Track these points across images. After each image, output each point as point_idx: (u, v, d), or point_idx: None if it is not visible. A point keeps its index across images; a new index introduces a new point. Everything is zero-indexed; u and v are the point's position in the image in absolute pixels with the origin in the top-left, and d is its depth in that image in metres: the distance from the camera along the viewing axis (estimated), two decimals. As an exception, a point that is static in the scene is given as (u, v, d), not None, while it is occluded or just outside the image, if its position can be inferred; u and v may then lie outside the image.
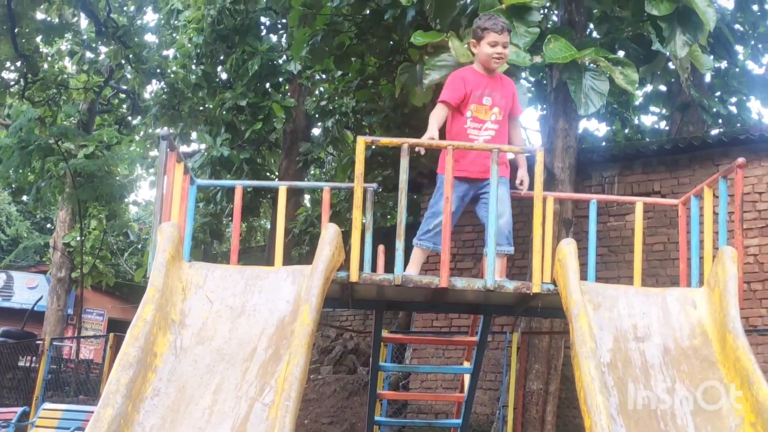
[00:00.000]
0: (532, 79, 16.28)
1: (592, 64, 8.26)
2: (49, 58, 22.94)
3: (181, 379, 4.28)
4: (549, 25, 12.40)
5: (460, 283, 5.18)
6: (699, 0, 7.97)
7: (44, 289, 27.30)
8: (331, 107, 17.32)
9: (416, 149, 5.38)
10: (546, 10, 12.74)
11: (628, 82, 8.17)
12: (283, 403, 3.94)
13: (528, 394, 10.88)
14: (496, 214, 5.26)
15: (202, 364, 4.37)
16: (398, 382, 14.15)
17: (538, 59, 8.95)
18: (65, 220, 23.40)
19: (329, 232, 4.87)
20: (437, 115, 5.71)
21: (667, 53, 8.75)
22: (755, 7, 16.30)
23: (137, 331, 4.23)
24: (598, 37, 11.07)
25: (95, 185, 19.86)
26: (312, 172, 21.95)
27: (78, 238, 21.64)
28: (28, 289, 31.08)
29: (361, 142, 5.13)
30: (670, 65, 10.90)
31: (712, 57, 15.83)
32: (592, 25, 12.45)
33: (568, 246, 4.93)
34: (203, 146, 17.76)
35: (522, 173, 5.85)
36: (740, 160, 5.14)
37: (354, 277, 5.01)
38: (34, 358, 17.74)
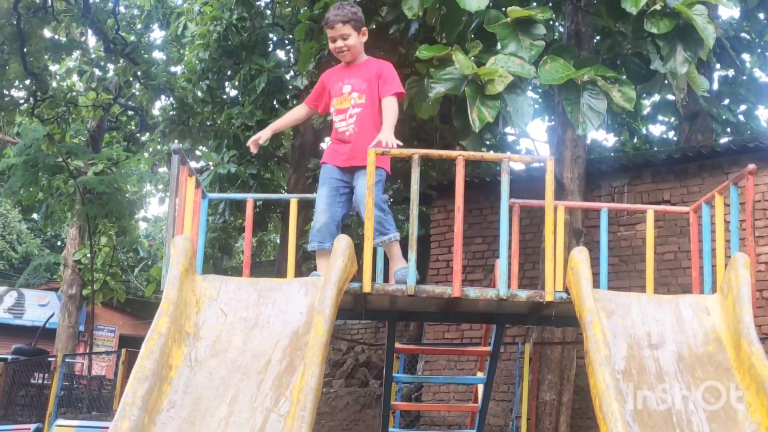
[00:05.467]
0: (540, 90, 16.30)
1: (589, 84, 8.21)
2: (58, 76, 23.05)
3: (197, 391, 4.28)
4: (556, 36, 12.44)
5: (473, 292, 5.18)
6: (698, 17, 7.95)
7: (55, 306, 27.38)
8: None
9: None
10: (552, 22, 12.75)
11: (625, 100, 8.13)
12: (298, 414, 3.95)
13: (541, 404, 10.86)
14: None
15: (217, 376, 4.38)
16: (410, 394, 14.14)
17: (536, 82, 8.96)
18: (75, 237, 23.49)
19: (341, 243, 4.87)
20: (289, 113, 6.22)
21: (665, 71, 8.68)
22: (761, 16, 16.31)
23: (152, 344, 4.25)
24: (601, 51, 11.04)
25: (104, 202, 19.95)
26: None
27: (88, 255, 21.71)
28: (39, 307, 31.19)
29: (372, 153, 5.13)
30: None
31: (718, 65, 15.89)
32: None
33: (581, 254, 4.93)
34: (212, 163, 17.78)
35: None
36: (751, 166, 5.15)
37: (367, 287, 5.02)
38: (46, 375, 17.78)
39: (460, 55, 7.85)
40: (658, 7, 8.02)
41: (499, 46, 8.39)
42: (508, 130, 12.60)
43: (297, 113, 6.12)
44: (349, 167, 5.61)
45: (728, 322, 4.68)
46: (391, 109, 5.62)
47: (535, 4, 11.20)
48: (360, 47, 5.83)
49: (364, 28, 5.83)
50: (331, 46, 5.79)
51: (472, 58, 8.16)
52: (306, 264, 17.94)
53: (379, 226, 5.38)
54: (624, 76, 9.23)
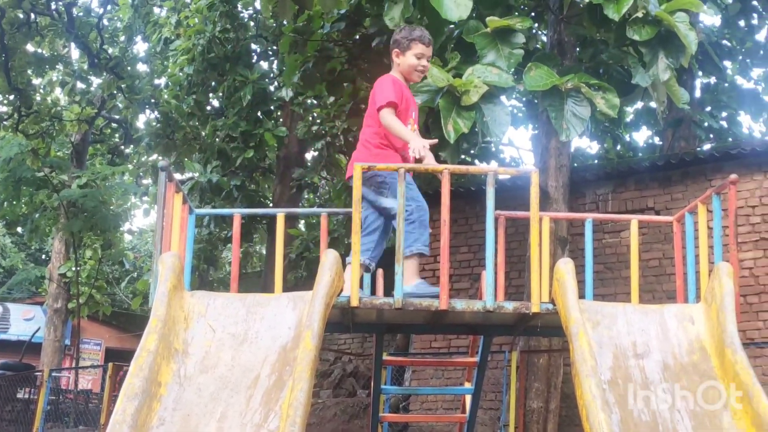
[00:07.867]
0: (524, 98, 16.38)
1: (573, 91, 8.24)
2: (41, 90, 23.02)
3: (186, 407, 4.30)
4: (538, 45, 12.49)
5: (460, 304, 5.21)
6: (680, 24, 8.02)
7: (41, 320, 27.27)
8: (323, 131, 17.36)
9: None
10: (535, 31, 12.81)
11: (609, 107, 8.17)
12: (288, 429, 3.96)
13: (528, 412, 10.89)
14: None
15: (207, 392, 4.39)
16: (398, 404, 14.14)
17: (521, 87, 8.99)
18: (60, 250, 23.41)
19: (329, 258, 4.90)
20: (399, 120, 5.58)
21: (645, 84, 8.72)
22: (742, 23, 16.47)
23: (141, 361, 4.26)
24: (583, 60, 11.10)
25: (89, 215, 19.92)
26: (306, 196, 21.97)
27: (73, 269, 21.65)
28: (25, 321, 31.03)
29: (358, 168, 5.16)
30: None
31: (701, 73, 16.01)
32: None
33: (566, 265, 4.98)
34: (196, 174, 17.76)
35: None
36: (733, 176, 5.21)
37: (354, 301, 5.04)
38: (32, 389, 17.71)
39: (434, 69, 7.87)
40: (640, 14, 8.07)
41: (478, 56, 8.42)
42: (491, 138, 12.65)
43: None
44: None
45: (712, 331, 4.73)
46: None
47: (516, 13, 11.25)
48: None
49: None
50: (414, 62, 5.74)
51: (452, 70, 8.19)
52: (292, 274, 17.95)
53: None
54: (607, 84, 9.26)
